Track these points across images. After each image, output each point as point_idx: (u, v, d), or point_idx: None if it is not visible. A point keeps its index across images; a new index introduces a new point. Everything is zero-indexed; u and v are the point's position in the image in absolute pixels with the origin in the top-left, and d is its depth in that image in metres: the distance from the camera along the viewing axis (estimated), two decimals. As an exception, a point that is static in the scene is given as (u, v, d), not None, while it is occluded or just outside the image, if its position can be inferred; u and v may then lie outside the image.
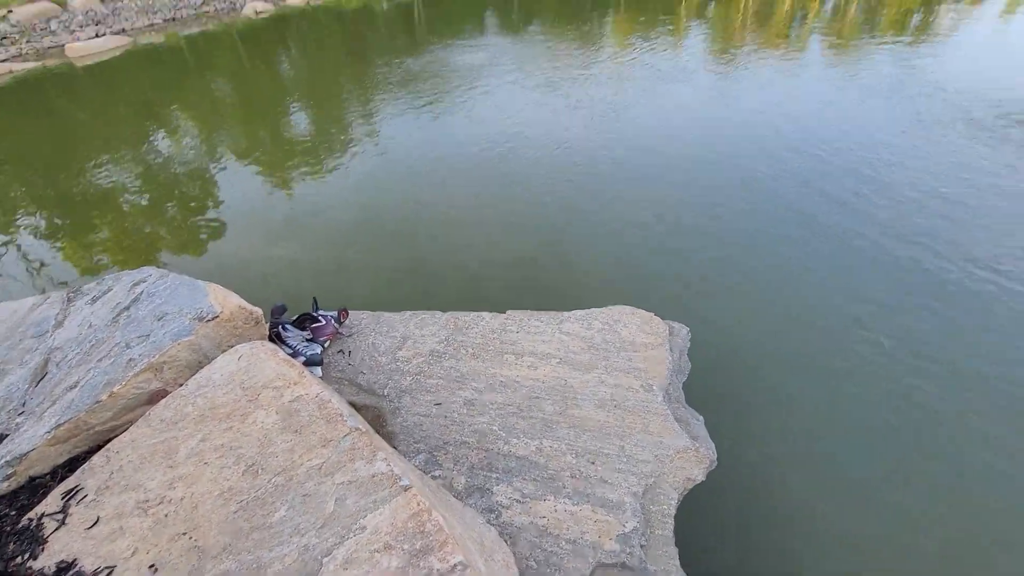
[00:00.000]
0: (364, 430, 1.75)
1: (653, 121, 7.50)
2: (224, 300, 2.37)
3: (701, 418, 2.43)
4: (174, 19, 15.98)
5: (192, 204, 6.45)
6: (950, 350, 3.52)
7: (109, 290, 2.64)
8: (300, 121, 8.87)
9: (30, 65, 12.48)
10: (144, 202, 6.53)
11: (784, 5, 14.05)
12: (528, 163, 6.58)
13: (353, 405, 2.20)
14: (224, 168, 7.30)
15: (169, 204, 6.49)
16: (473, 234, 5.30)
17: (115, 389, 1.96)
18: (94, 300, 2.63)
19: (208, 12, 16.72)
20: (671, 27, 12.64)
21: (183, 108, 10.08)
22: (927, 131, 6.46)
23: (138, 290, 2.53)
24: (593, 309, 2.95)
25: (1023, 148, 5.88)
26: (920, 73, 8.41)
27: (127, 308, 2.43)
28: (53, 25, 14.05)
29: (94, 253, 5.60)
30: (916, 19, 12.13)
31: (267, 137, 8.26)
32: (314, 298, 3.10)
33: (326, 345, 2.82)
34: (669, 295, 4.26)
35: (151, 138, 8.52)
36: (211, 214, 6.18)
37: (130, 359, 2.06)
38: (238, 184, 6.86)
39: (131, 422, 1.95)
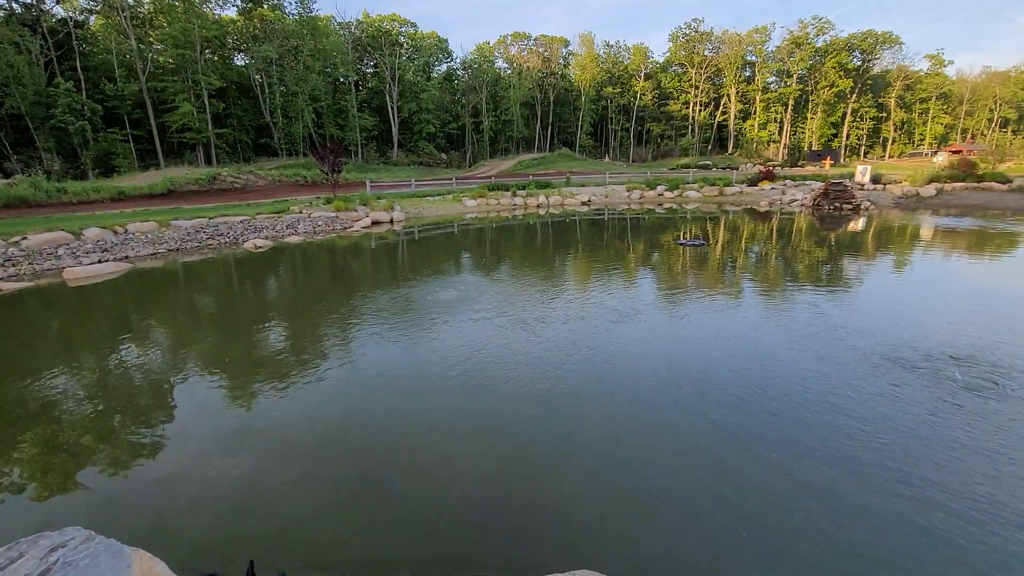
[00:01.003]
0: None
1: (605, 355, 8.02)
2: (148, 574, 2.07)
3: None
4: (178, 249, 17.55)
5: (140, 431, 6.09)
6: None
7: (20, 557, 2.29)
8: (274, 337, 9.13)
9: (23, 284, 13.01)
10: (84, 427, 6.15)
11: (715, 255, 16.58)
12: (491, 396, 6.72)
13: None
14: (186, 381, 7.16)
15: (114, 430, 6.11)
16: (431, 474, 5.07)
17: None
18: (-6, 572, 2.26)
19: (212, 245, 18.52)
20: (623, 272, 14.54)
21: (161, 322, 10.34)
22: (843, 368, 7.05)
23: (53, 559, 2.20)
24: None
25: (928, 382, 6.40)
26: (830, 318, 9.60)
27: (32, 586, 2.07)
28: (60, 251, 15.16)
29: (11, 498, 4.99)
30: (826, 270, 14.39)
31: (239, 350, 8.35)
32: (251, 562, 2.74)
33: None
34: (634, 554, 3.94)
35: (116, 350, 8.49)
36: (160, 438, 5.80)
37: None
38: (196, 400, 6.68)
39: None
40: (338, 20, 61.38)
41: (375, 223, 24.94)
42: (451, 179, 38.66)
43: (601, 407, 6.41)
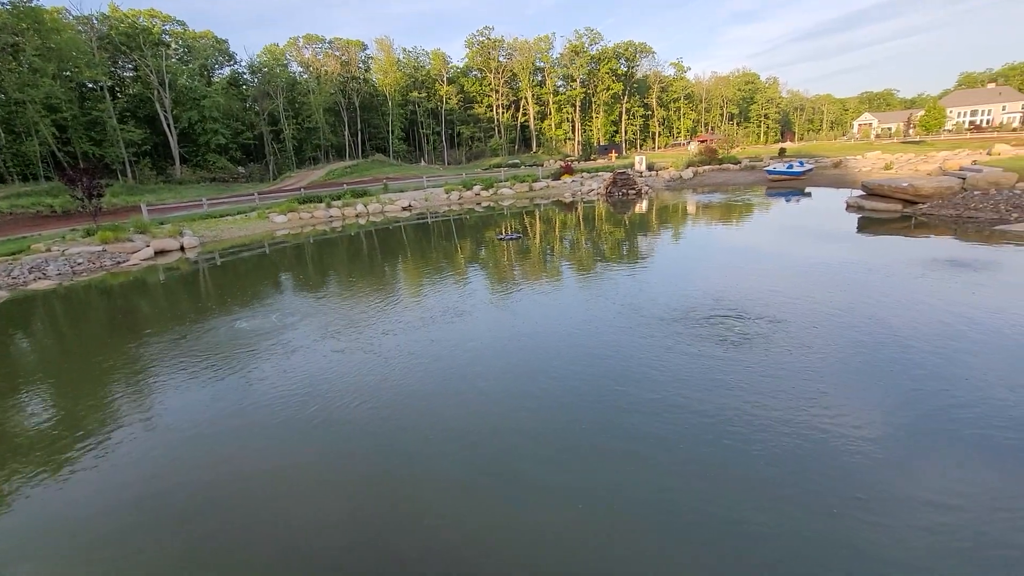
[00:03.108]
0: None
1: (454, 360, 8.12)
2: None
3: None
4: None
5: None
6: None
7: None
8: (36, 413, 7.17)
9: None
10: None
11: (532, 246, 17.89)
12: (326, 419, 6.29)
13: None
14: None
15: None
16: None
17: None
18: None
19: (-93, 306, 13.71)
20: (453, 270, 14.78)
21: None
22: (648, 327, 8.31)
23: None
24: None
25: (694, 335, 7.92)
26: (632, 287, 11.18)
27: None
28: None
29: None
30: (624, 248, 16.59)
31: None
32: None
33: None
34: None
35: None
36: None
37: None
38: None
39: None
40: (73, 13, 50.34)
41: (160, 253, 21.19)
42: (252, 195, 34.72)
43: (452, 416, 6.43)
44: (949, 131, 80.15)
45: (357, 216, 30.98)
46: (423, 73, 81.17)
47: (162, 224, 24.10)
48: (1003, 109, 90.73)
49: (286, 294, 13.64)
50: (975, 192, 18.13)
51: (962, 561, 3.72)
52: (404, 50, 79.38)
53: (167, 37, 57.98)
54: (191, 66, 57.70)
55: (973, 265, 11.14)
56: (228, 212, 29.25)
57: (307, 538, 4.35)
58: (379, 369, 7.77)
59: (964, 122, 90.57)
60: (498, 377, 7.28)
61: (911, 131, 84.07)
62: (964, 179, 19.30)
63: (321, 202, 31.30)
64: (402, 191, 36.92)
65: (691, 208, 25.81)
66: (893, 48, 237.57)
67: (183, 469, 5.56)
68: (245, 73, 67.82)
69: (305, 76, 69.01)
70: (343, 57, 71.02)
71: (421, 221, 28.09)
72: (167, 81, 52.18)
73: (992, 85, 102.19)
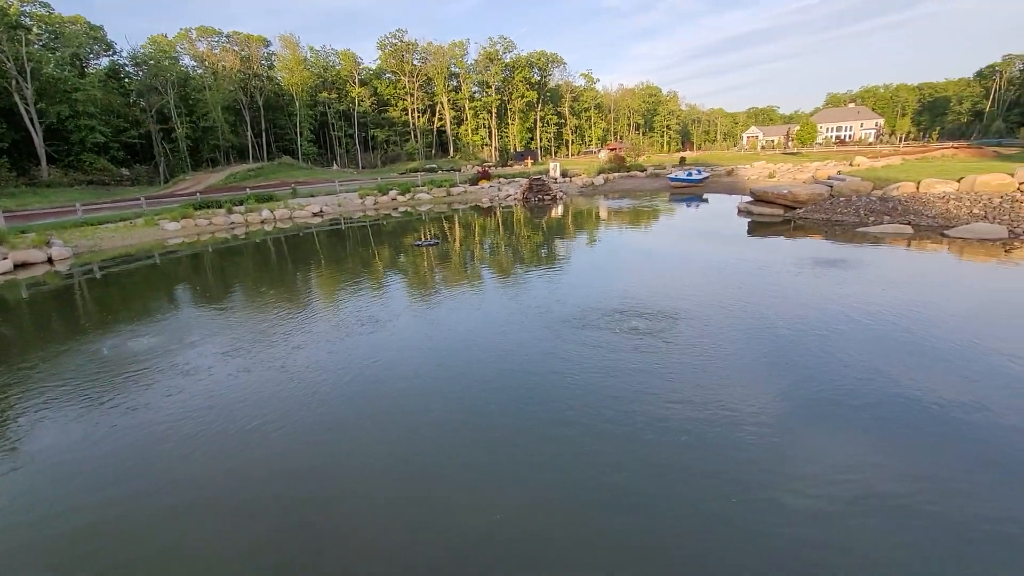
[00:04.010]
0: None
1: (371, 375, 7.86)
2: None
3: None
4: None
5: None
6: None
7: None
8: None
9: None
10: None
11: (451, 251, 17.81)
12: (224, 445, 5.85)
13: None
14: None
15: None
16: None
17: None
18: None
19: None
20: (370, 278, 14.31)
21: None
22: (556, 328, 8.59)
23: None
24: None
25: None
26: (548, 289, 11.50)
27: None
28: None
29: None
30: (541, 252, 17.00)
31: None
32: None
33: None
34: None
35: None
36: None
37: None
38: None
39: None
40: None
41: (21, 266, 18.52)
42: (139, 199, 31.29)
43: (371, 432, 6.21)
44: (820, 144, 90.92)
45: (263, 223, 29.06)
46: (333, 73, 77.99)
47: (24, 233, 21.02)
48: (861, 126, 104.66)
49: (182, 308, 12.47)
50: (840, 198, 20.66)
51: (839, 521, 4.20)
52: (312, 48, 75.78)
53: (27, 20, 50.88)
54: (60, 54, 50.99)
55: (840, 263, 12.67)
56: (109, 219, 26.12)
57: (206, 576, 3.99)
58: (289, 387, 7.33)
59: (831, 136, 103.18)
60: (420, 386, 7.15)
61: (790, 144, 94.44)
62: (832, 187, 21.92)
63: (221, 207, 29.02)
64: (312, 196, 35.18)
65: (604, 213, 27.01)
66: (773, 69, 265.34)
67: (41, 522, 4.88)
68: (127, 65, 61.17)
69: (200, 71, 63.68)
70: (243, 53, 66.36)
71: (334, 227, 26.94)
72: (28, 70, 45.77)
73: (852, 105, 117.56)
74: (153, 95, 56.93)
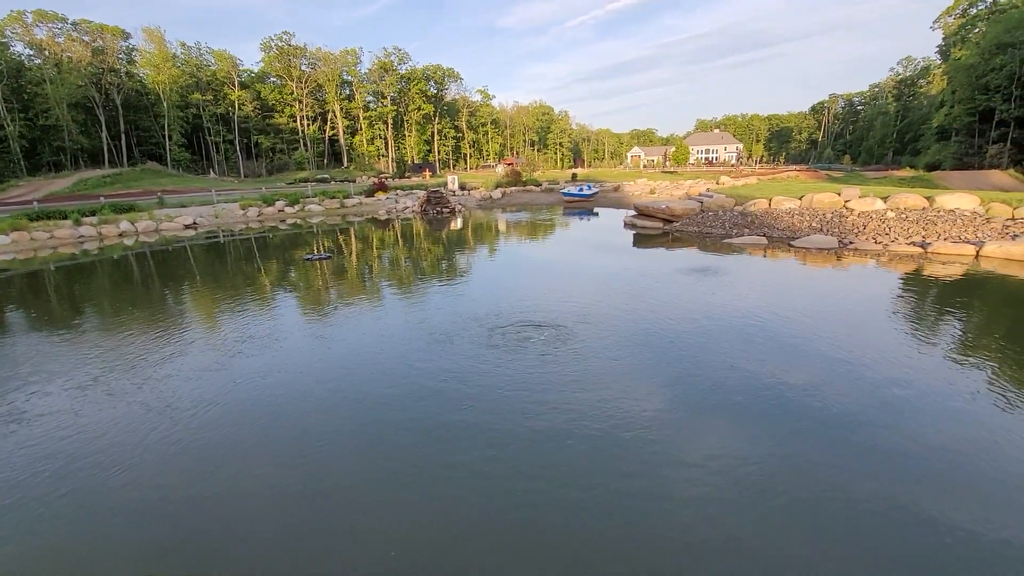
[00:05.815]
0: None
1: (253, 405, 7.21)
2: None
3: None
4: None
5: None
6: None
7: None
8: None
9: None
10: None
11: (344, 266, 17.03)
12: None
13: None
14: None
15: None
16: None
17: None
18: None
19: None
20: (256, 296, 13.16)
21: None
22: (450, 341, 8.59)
23: None
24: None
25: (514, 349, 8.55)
26: (446, 303, 11.45)
27: None
28: None
29: None
30: (442, 265, 16.86)
31: None
32: None
33: None
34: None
35: None
36: None
37: None
38: None
39: None
40: None
41: None
42: (-46, 208, 26.11)
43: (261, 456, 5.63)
44: (692, 164, 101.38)
45: (122, 236, 25.61)
46: (208, 74, 71.50)
47: None
48: (725, 149, 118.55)
49: (14, 338, 10.50)
50: (709, 213, 23.07)
51: (725, 503, 4.61)
52: (183, 45, 68.94)
53: None
54: None
55: (711, 271, 14.10)
56: (-92, 232, 21.43)
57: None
58: (160, 424, 6.46)
59: (702, 158, 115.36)
60: (311, 409, 6.67)
61: (667, 163, 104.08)
62: (702, 203, 24.42)
63: (66, 218, 25.15)
64: (184, 206, 31.77)
65: (502, 226, 27.54)
66: (652, 95, 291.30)
67: None
68: (-63, 48, 51.12)
69: (38, 61, 54.98)
70: (96, 44, 58.52)
71: (211, 241, 24.50)
72: None
73: (717, 131, 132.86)
74: (-28, 85, 48.07)
